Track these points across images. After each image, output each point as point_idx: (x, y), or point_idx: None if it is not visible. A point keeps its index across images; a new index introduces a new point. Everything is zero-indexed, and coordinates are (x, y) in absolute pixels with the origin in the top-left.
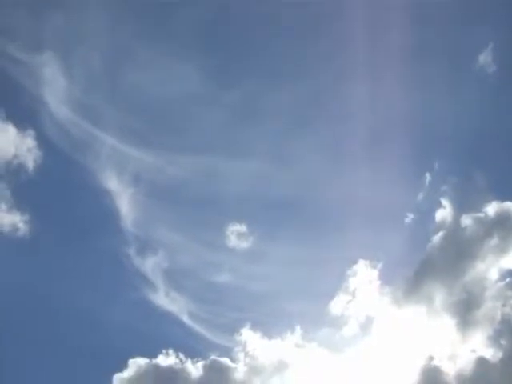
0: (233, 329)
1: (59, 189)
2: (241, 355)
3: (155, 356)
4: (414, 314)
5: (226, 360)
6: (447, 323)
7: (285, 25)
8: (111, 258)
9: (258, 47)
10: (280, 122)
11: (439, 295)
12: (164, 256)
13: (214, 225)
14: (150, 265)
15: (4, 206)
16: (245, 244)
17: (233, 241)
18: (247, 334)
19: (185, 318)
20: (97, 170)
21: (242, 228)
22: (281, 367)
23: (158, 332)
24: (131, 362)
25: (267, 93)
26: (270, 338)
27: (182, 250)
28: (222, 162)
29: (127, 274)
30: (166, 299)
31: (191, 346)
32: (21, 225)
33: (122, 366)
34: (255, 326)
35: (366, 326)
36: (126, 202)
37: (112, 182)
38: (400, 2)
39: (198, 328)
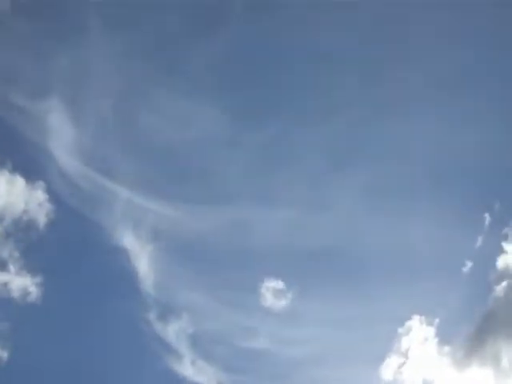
0: None
1: (72, 248)
2: None
3: None
4: (478, 377)
5: None
6: None
7: (312, 54)
8: (130, 324)
9: (284, 81)
10: (313, 163)
11: (507, 354)
12: (189, 320)
13: (244, 282)
14: (174, 331)
15: (13, 268)
16: (282, 302)
17: (268, 299)
18: None
19: None
20: (111, 226)
21: (279, 284)
22: None
23: None
24: None
25: (296, 132)
26: None
27: (209, 313)
28: (249, 212)
29: (148, 342)
30: (192, 369)
31: None
32: (32, 288)
33: None
34: None
35: None
36: (144, 261)
37: (128, 239)
38: None
39: None
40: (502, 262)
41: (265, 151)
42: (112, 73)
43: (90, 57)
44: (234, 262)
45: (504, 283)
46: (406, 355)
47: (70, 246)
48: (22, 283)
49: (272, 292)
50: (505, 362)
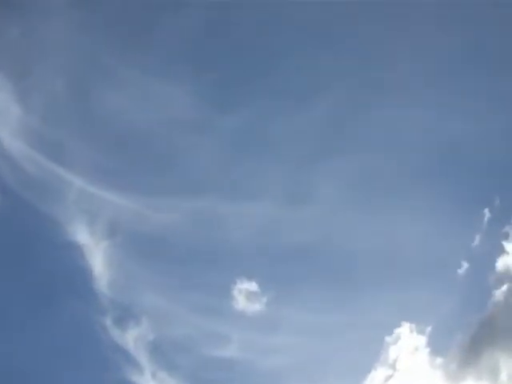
0: None
1: (17, 242)
2: None
3: None
4: None
5: None
6: None
7: (292, 33)
8: (83, 329)
9: (261, 61)
10: (292, 151)
11: (506, 366)
12: (149, 326)
13: (214, 284)
14: (132, 337)
15: None
16: (256, 306)
17: (241, 303)
18: None
19: None
20: (62, 219)
21: (252, 286)
22: None
23: None
24: None
25: (274, 116)
26: None
27: (173, 318)
28: (220, 205)
29: (103, 350)
30: (153, 381)
31: None
32: None
33: None
34: None
35: None
36: (99, 258)
37: (81, 233)
38: None
39: None
40: (501, 263)
41: (238, 137)
42: (67, 46)
43: (43, 28)
44: (201, 261)
45: (504, 287)
46: (393, 367)
47: (14, 240)
48: None
49: (245, 295)
50: (503, 375)
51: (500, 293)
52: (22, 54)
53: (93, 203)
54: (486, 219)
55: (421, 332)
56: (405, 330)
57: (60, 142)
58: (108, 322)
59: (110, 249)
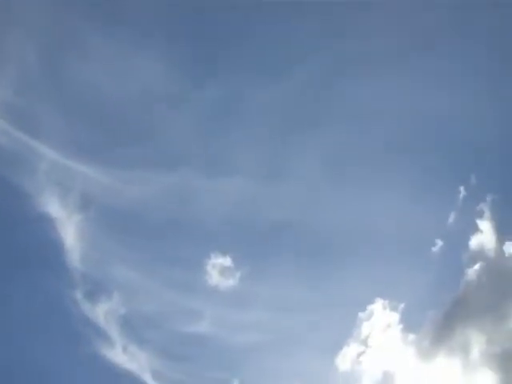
0: None
1: None
2: None
3: None
4: (445, 368)
5: None
6: (488, 379)
7: (269, 8)
8: (53, 303)
9: (237, 33)
10: (268, 125)
11: (477, 344)
12: (121, 300)
13: (187, 258)
14: (103, 311)
15: None
16: (230, 282)
17: (214, 278)
18: None
19: (148, 379)
20: (34, 191)
21: (226, 261)
22: None
23: None
24: None
25: (251, 89)
26: None
27: (145, 293)
28: (195, 179)
29: (73, 323)
30: (123, 355)
31: None
32: None
33: None
34: None
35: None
36: (71, 232)
37: (53, 206)
38: None
39: None
40: (475, 241)
41: (214, 111)
42: (40, 18)
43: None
44: (175, 236)
45: (477, 266)
46: (365, 343)
47: None
48: None
49: (219, 270)
50: (474, 352)
51: (473, 271)
52: None
53: (65, 176)
54: (461, 197)
55: (394, 309)
56: (378, 307)
57: (33, 113)
58: (79, 295)
59: (82, 222)
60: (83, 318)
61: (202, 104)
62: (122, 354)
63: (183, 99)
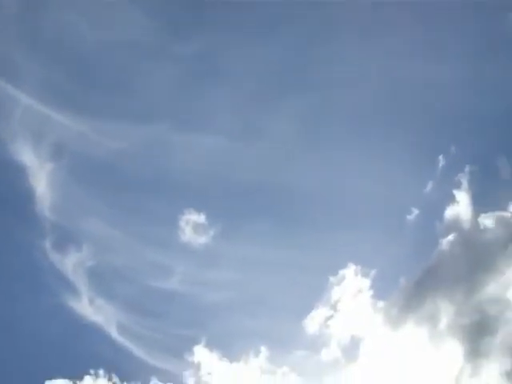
0: (181, 348)
1: None
2: (191, 381)
3: (80, 378)
4: (412, 336)
5: None
6: (455, 350)
7: None
8: (20, 252)
9: None
10: (247, 84)
11: (446, 314)
12: (90, 252)
13: (160, 213)
14: (72, 263)
15: None
16: (203, 239)
17: (187, 234)
18: (201, 355)
19: (113, 332)
20: (6, 137)
21: (200, 218)
22: None
23: (82, 348)
24: None
25: (232, 46)
26: (228, 360)
27: (115, 246)
28: (172, 134)
29: (41, 273)
30: (90, 307)
31: (125, 368)
32: None
33: None
34: (210, 346)
35: (351, 349)
36: (42, 181)
37: (25, 154)
38: None
39: (130, 345)
40: (450, 212)
41: (194, 65)
42: None
43: None
44: (148, 189)
45: (451, 236)
46: (335, 307)
47: None
48: None
49: (192, 226)
50: (442, 323)
51: (446, 242)
52: None
53: (39, 123)
54: (440, 166)
55: (365, 275)
56: (350, 272)
57: (8, 58)
58: (47, 245)
59: (54, 171)
60: (51, 268)
61: (185, 58)
62: (88, 306)
63: (166, 52)
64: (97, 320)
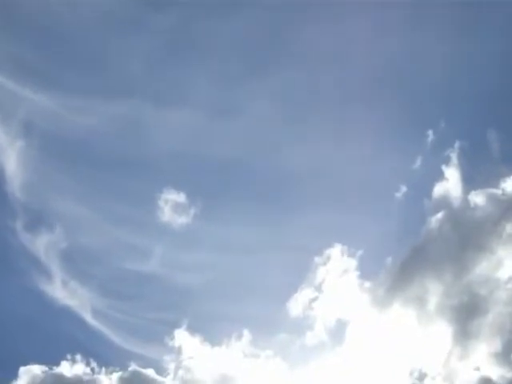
0: (160, 333)
1: None
2: (171, 366)
3: (56, 363)
4: (400, 318)
5: (150, 371)
6: (443, 332)
7: None
8: None
9: None
10: (226, 60)
11: (434, 295)
12: (63, 233)
13: (137, 192)
14: (44, 244)
15: None
16: (183, 219)
17: (166, 214)
18: (181, 340)
19: (87, 316)
20: None
21: (180, 197)
22: (224, 382)
23: (57, 333)
24: (23, 370)
25: (210, 20)
26: (210, 344)
27: (89, 227)
28: (148, 110)
29: (12, 255)
30: (63, 290)
31: (102, 353)
32: None
33: (10, 375)
34: (191, 330)
35: (337, 332)
36: (12, 159)
37: None
38: None
39: (106, 330)
40: (439, 189)
41: (169, 39)
42: None
43: None
44: (124, 169)
45: (440, 214)
46: (320, 289)
47: None
48: None
49: (171, 206)
50: (431, 304)
51: (435, 220)
52: None
53: (8, 99)
54: (429, 141)
55: (352, 255)
56: (336, 252)
57: None
58: (18, 226)
59: (24, 149)
60: (22, 249)
61: (160, 31)
62: (61, 289)
63: (138, 24)
64: (71, 304)
